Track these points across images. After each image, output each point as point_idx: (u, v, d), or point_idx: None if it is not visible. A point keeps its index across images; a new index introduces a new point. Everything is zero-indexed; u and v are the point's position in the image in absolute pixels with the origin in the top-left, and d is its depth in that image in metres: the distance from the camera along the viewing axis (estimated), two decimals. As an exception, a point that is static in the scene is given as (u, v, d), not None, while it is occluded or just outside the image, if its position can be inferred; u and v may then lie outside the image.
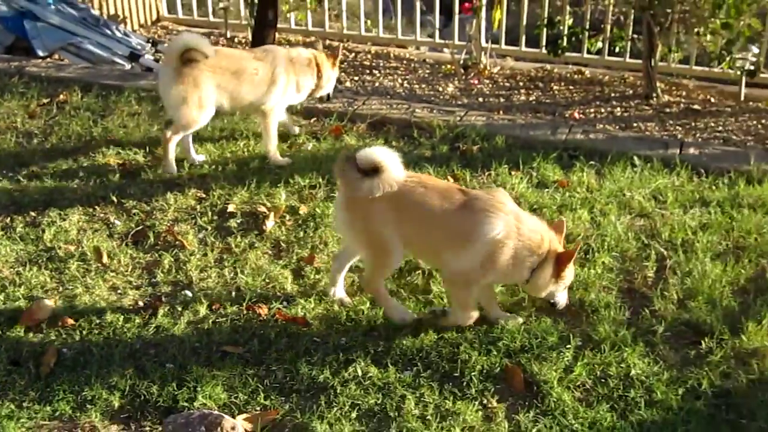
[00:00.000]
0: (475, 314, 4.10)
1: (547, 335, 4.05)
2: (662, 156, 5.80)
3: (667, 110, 7.56)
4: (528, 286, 4.09)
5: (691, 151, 5.97)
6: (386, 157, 3.90)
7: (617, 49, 8.04)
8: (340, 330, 4.16)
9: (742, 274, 4.53)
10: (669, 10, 7.56)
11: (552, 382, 3.78)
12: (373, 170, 3.89)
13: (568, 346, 3.99)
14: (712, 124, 7.32)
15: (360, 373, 3.85)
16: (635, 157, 5.71)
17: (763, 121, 7.44)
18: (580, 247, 4.48)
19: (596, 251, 4.71)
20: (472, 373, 3.84)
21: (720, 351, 3.98)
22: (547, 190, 5.41)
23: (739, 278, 4.51)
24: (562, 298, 4.17)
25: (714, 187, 5.42)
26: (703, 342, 4.04)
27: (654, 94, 7.76)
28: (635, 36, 7.92)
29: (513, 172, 5.61)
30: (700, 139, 6.88)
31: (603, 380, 3.82)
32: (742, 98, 7.83)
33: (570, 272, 4.06)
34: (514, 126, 6.44)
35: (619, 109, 7.59)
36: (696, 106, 7.68)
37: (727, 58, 7.56)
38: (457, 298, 4.10)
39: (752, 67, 7.50)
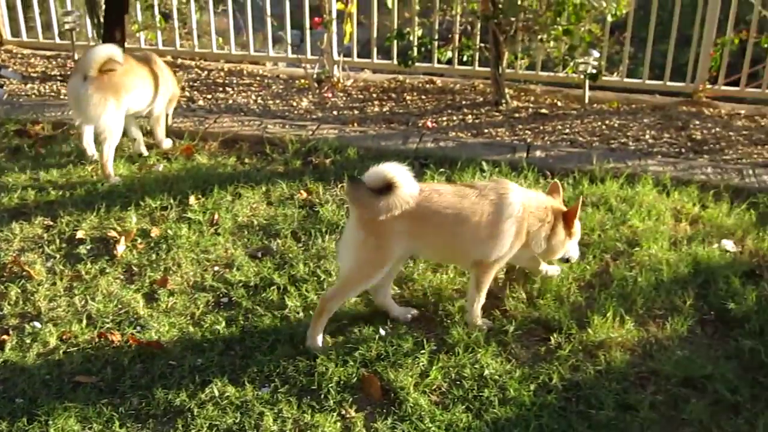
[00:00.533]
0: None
1: (402, 342, 4.10)
2: (510, 160, 5.96)
3: (517, 115, 7.76)
4: (545, 253, 4.31)
5: (538, 153, 6.15)
6: (397, 172, 3.85)
7: (465, 58, 8.20)
8: (196, 351, 4.10)
9: (587, 270, 4.70)
10: (513, 19, 7.77)
11: (408, 388, 3.82)
12: (386, 188, 3.84)
13: (423, 351, 4.04)
14: (559, 127, 7.55)
15: (217, 393, 3.81)
16: (483, 162, 5.84)
17: (607, 122, 7.72)
18: (582, 201, 4.58)
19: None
20: (330, 385, 3.85)
21: (568, 345, 4.11)
22: (399, 199, 5.46)
23: (585, 274, 4.67)
24: (575, 253, 4.46)
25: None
26: (552, 338, 4.17)
27: (503, 101, 7.97)
28: (483, 45, 8.11)
29: (366, 183, 5.64)
30: (548, 142, 7.09)
31: (458, 382, 3.89)
32: (587, 101, 8.12)
33: (578, 226, 4.35)
34: (365, 137, 6.50)
35: (470, 116, 7.75)
36: (543, 110, 7.92)
37: (571, 63, 7.85)
38: (483, 282, 4.20)
39: (594, 71, 7.80)
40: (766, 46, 7.93)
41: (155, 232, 5.10)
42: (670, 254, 4.84)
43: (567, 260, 4.49)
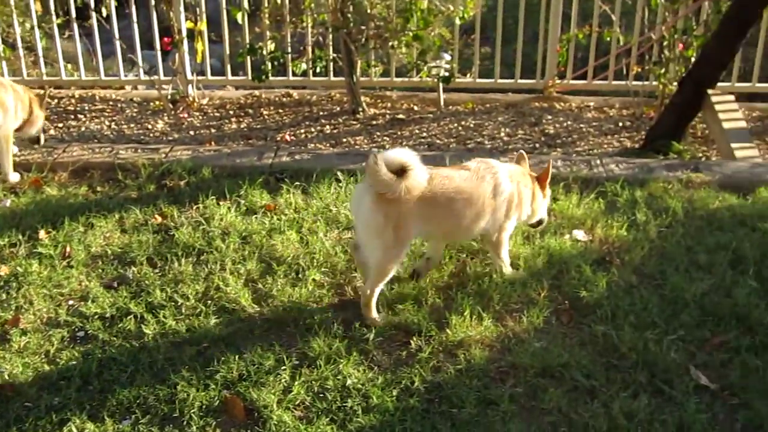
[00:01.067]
0: None
1: (263, 360, 4.05)
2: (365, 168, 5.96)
3: (374, 122, 7.84)
4: (530, 217, 4.76)
5: (392, 159, 6.16)
6: (410, 158, 4.13)
7: (319, 70, 8.22)
8: (53, 390, 3.95)
9: (444, 271, 4.75)
10: (363, 27, 7.85)
11: (272, 406, 3.78)
12: (401, 171, 4.09)
13: (285, 367, 4.01)
14: (417, 131, 7.66)
15: (75, 431, 3.69)
16: (339, 173, 5.84)
17: (463, 122, 7.87)
18: (550, 166, 4.88)
19: (306, 269, 4.78)
20: (192, 411, 3.77)
21: (429, 347, 4.14)
22: (255, 216, 5.43)
23: (443, 275, 4.73)
24: (545, 214, 4.89)
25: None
26: (412, 341, 4.20)
27: (360, 109, 8.03)
28: (336, 55, 8.14)
29: (221, 202, 5.59)
30: (406, 147, 7.17)
31: (321, 395, 3.87)
32: (442, 104, 8.26)
33: (547, 187, 4.84)
34: (220, 156, 6.42)
35: (328, 126, 7.78)
36: (401, 116, 8.02)
37: (424, 68, 7.97)
38: (502, 251, 4.67)
39: (447, 74, 7.94)
40: (608, 39, 8.23)
41: (4, 270, 4.91)
42: (524, 249, 4.95)
43: (540, 223, 4.88)
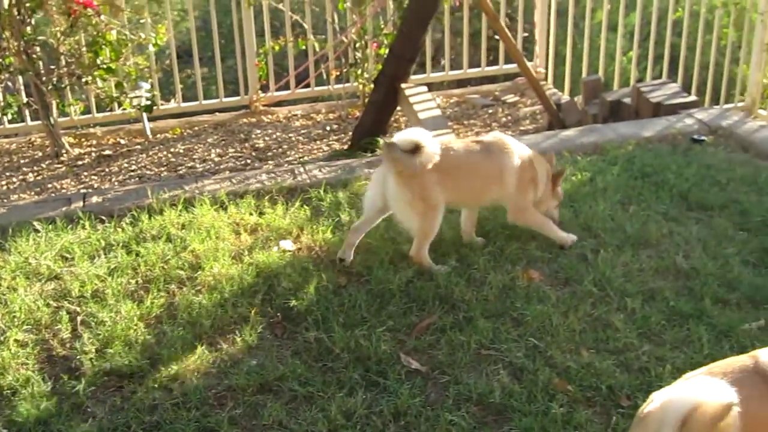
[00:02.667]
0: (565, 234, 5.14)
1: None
2: (66, 212, 5.73)
3: (80, 162, 7.58)
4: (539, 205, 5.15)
5: (95, 199, 5.95)
6: (421, 135, 4.62)
7: (11, 117, 7.81)
8: None
9: (154, 306, 4.65)
10: (53, 67, 7.55)
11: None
12: (415, 149, 4.57)
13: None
14: (126, 165, 7.49)
15: None
16: (36, 223, 5.55)
17: (173, 149, 7.78)
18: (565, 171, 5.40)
19: (6, 330, 4.52)
20: None
21: (142, 388, 4.04)
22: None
23: (152, 310, 4.62)
24: (556, 214, 5.29)
25: (119, 229, 5.47)
26: (125, 385, 4.08)
27: (63, 151, 7.73)
28: (30, 99, 7.78)
29: None
30: (115, 183, 6.99)
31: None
32: (149, 133, 8.11)
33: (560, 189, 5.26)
34: None
35: (31, 174, 7.44)
36: (107, 152, 7.80)
37: (125, 100, 7.77)
38: (544, 227, 5.11)
39: (149, 102, 7.78)
40: (304, 47, 8.40)
41: None
42: (233, 268, 4.93)
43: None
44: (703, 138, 6.74)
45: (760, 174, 6.11)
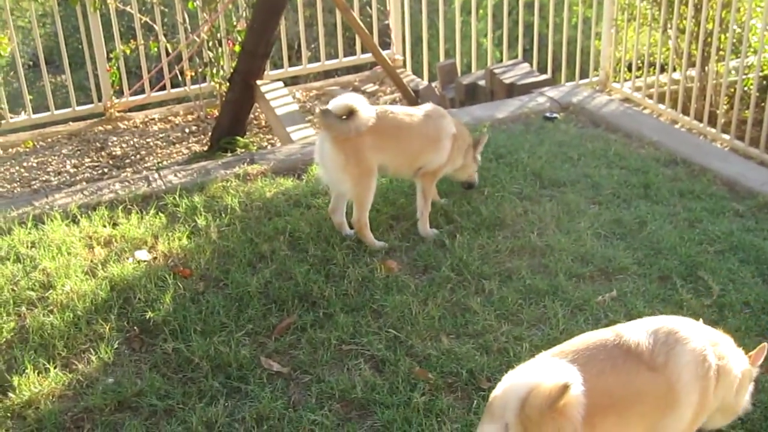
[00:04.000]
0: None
1: None
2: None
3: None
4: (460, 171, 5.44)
5: (-61, 223, 5.68)
6: (355, 100, 4.75)
7: None
8: None
9: (4, 330, 4.45)
10: None
11: None
12: (350, 113, 4.71)
13: None
14: (-25, 184, 7.19)
15: None
16: None
17: (25, 163, 7.51)
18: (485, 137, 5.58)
19: None
20: None
21: (-6, 417, 3.90)
22: None
23: (2, 335, 4.41)
24: (476, 178, 5.57)
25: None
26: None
27: None
28: None
29: None
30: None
31: None
32: (-1, 148, 7.81)
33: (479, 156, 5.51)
34: None
35: None
36: (-46, 171, 7.48)
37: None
38: (428, 189, 5.20)
39: (-4, 117, 7.51)
40: (157, 49, 8.21)
41: None
42: (86, 284, 4.77)
43: (470, 185, 5.57)
44: (555, 115, 6.91)
45: (610, 147, 6.30)
